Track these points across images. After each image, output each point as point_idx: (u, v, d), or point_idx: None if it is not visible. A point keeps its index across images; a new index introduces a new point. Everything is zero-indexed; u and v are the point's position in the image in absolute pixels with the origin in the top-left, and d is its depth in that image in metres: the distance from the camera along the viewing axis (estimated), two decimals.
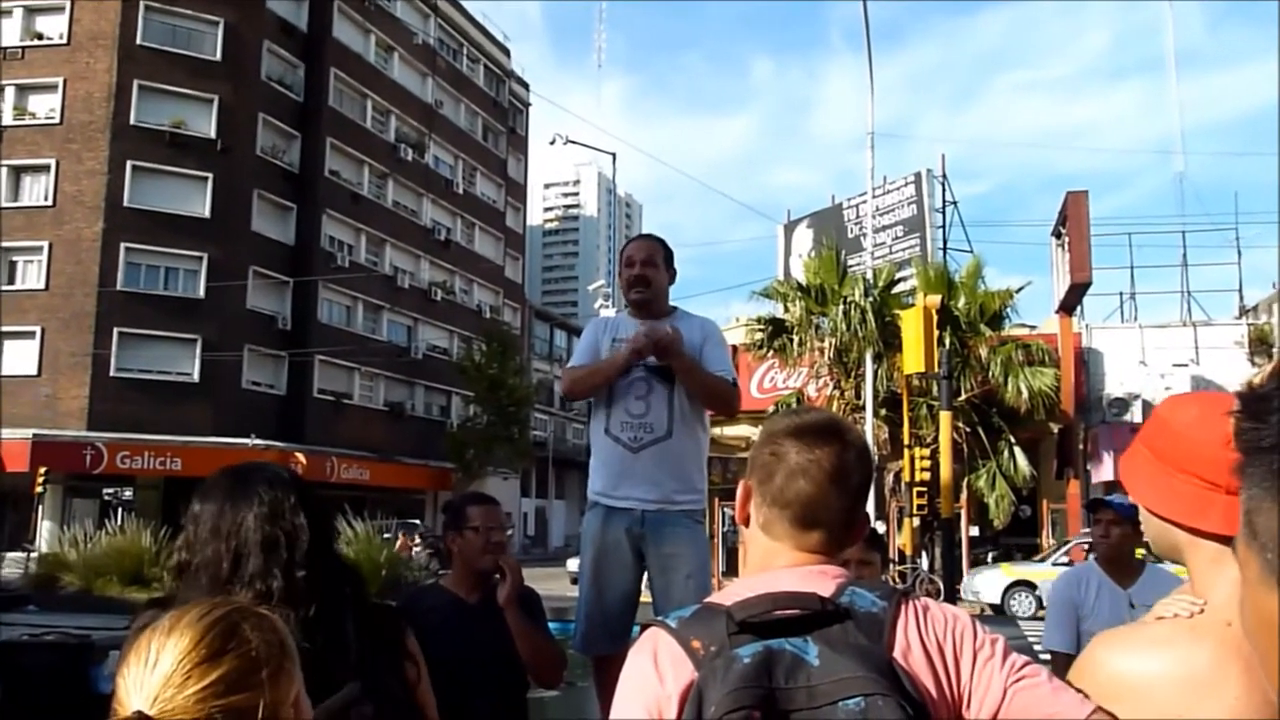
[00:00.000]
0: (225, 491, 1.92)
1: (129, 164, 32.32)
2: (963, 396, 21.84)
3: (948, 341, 20.71)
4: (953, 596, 18.48)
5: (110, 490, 30.76)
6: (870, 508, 1.61)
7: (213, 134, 33.76)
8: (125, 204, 32.16)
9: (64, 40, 33.20)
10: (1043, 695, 1.29)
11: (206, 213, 33.36)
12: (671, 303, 4.13)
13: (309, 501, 1.98)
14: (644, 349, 3.74)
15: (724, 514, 22.20)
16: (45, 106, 33.07)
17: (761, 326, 24.12)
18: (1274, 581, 0.66)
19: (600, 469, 3.92)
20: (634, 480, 3.81)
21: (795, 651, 1.26)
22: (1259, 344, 23.72)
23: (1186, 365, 23.45)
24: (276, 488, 1.93)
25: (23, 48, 33.23)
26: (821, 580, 1.38)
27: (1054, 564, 18.31)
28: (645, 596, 3.88)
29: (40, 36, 33.63)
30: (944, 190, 28.81)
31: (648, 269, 3.97)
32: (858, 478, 1.46)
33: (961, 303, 22.97)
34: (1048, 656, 3.99)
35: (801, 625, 1.29)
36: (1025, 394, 21.94)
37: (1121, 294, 26.60)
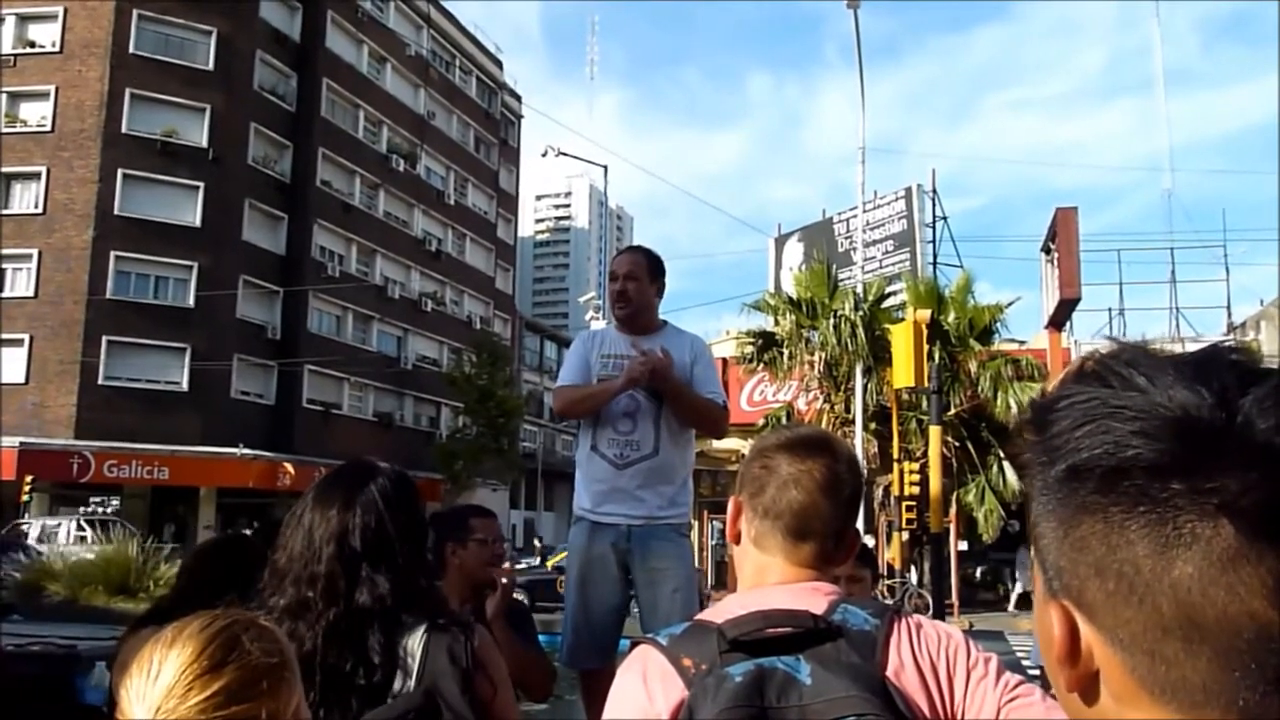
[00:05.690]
0: (325, 496, 1.93)
1: (120, 172, 32.23)
2: (952, 411, 21.85)
3: (937, 356, 20.72)
4: (942, 612, 18.47)
5: (98, 499, 30.57)
6: (860, 522, 1.61)
7: (204, 143, 33.70)
8: (116, 212, 32.05)
9: (56, 48, 33.12)
10: (1036, 715, 1.29)
11: (197, 222, 33.28)
12: (661, 316, 4.09)
13: (406, 512, 1.97)
14: (639, 377, 3.75)
15: (713, 526, 22.19)
16: (37, 114, 32.99)
17: (752, 340, 24.11)
18: (1052, 601, 0.65)
19: (586, 485, 3.90)
20: (620, 497, 3.80)
21: (787, 670, 1.25)
22: None
23: None
24: (377, 497, 1.92)
25: (15, 55, 33.12)
26: (814, 598, 1.37)
27: None
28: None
29: (33, 44, 33.54)
30: (934, 205, 28.92)
31: (629, 283, 3.92)
32: (849, 489, 1.47)
33: (951, 317, 23.01)
34: (1036, 672, 4.00)
35: (794, 643, 1.28)
36: (1014, 409, 21.93)
37: (1110, 310, 26.73)
